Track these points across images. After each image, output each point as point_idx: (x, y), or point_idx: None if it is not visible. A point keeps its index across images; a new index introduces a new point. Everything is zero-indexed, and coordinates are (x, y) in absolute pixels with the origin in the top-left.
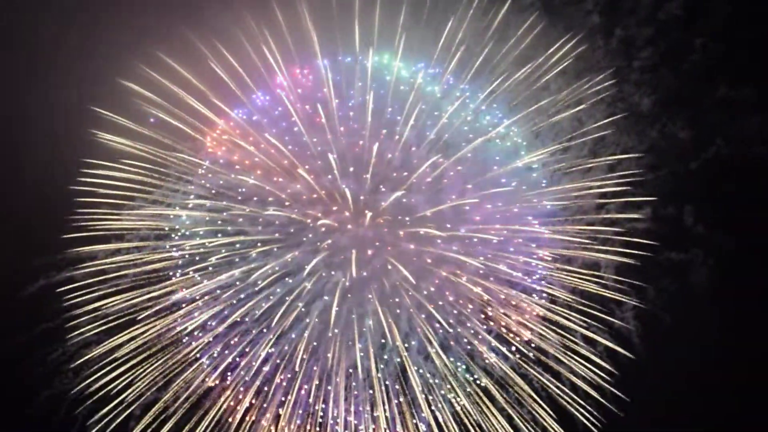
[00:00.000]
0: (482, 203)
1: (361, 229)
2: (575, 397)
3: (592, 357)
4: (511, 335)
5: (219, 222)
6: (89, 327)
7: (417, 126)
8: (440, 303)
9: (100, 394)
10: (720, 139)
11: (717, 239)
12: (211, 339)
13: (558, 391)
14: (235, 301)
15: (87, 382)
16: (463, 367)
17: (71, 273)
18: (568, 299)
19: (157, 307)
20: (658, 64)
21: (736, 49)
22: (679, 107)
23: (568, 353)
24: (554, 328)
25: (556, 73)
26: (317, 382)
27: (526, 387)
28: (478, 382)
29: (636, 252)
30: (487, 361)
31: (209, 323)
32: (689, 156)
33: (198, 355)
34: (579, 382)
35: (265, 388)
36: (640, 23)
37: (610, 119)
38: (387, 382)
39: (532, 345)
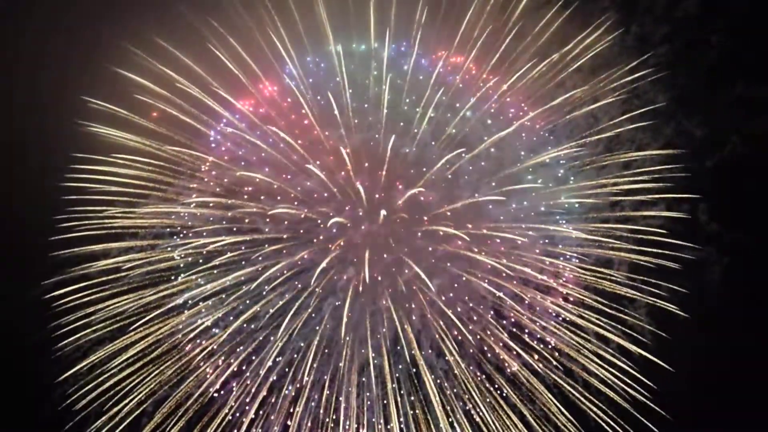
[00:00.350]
0: (506, 201)
1: (374, 226)
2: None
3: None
4: (541, 345)
5: (224, 222)
6: (97, 327)
7: (435, 119)
8: (469, 315)
9: (110, 393)
10: (736, 137)
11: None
12: (215, 346)
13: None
14: (241, 307)
15: (98, 380)
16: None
17: (65, 274)
18: (600, 302)
19: (157, 312)
20: (674, 62)
21: (752, 46)
22: (695, 105)
23: (606, 365)
24: (589, 337)
25: (577, 67)
26: (328, 392)
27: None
28: (500, 391)
29: (676, 253)
30: (510, 370)
31: (213, 330)
32: (705, 154)
33: (202, 363)
34: (617, 398)
35: (272, 400)
36: (656, 20)
37: (627, 116)
38: (402, 391)
39: (557, 353)
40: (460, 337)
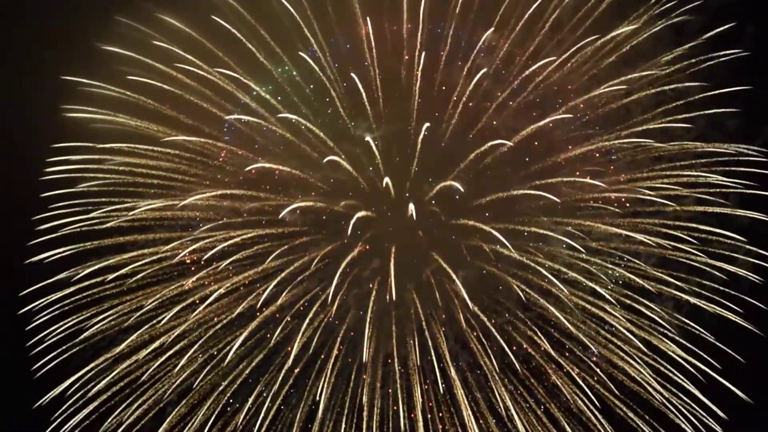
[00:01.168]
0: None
1: (402, 220)
2: None
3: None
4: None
5: (240, 216)
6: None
7: (471, 107)
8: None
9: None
10: None
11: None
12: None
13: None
14: (258, 314)
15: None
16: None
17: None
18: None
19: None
20: (708, 52)
21: None
22: (728, 96)
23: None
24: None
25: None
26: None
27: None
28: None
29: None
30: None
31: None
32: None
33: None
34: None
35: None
36: (691, 10)
37: (661, 109)
38: (430, 404)
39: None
40: (488, 338)
